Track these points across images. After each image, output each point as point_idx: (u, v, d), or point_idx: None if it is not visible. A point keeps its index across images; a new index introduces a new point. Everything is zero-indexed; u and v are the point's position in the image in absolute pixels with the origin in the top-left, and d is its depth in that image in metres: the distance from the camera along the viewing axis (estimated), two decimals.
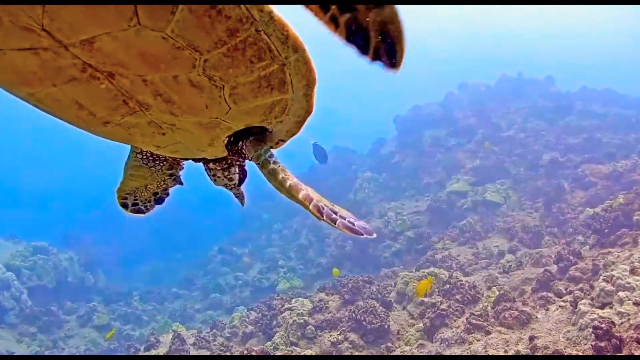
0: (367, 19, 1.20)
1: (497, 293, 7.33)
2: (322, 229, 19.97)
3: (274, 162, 1.86)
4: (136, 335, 15.00)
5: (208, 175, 2.29)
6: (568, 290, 6.71)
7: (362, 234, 1.78)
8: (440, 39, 65.25)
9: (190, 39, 1.15)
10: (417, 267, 11.68)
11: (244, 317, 10.30)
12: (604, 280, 5.50)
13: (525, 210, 14.26)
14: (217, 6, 1.09)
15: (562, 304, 6.23)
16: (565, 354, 4.71)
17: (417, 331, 7.55)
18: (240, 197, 2.63)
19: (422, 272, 9.81)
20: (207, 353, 9.11)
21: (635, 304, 4.85)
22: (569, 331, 5.31)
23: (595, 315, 4.95)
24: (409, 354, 6.94)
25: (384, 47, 1.30)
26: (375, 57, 1.33)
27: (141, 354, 9.84)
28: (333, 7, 1.19)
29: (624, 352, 4.08)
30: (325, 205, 1.79)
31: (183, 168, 2.35)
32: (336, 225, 1.76)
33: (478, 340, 6.13)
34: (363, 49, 1.30)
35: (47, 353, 13.47)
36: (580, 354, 4.63)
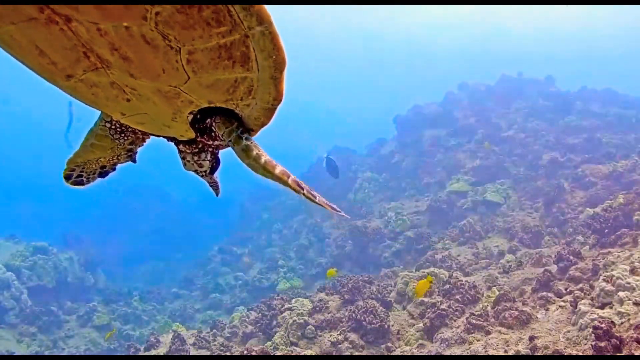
0: None
1: (497, 293, 7.33)
2: (322, 229, 19.98)
3: (247, 139, 1.78)
4: (136, 335, 15.00)
5: (181, 160, 2.22)
6: (568, 290, 6.71)
7: (339, 212, 1.74)
8: (440, 39, 65.24)
9: None
10: (417, 267, 11.68)
11: (244, 317, 10.30)
12: (604, 280, 5.49)
13: (525, 210, 14.26)
14: None
15: (562, 304, 6.23)
16: (565, 354, 4.71)
17: (417, 331, 7.55)
18: (214, 186, 2.52)
19: (422, 272, 9.80)
20: (207, 353, 9.11)
21: (635, 304, 4.85)
22: (569, 331, 5.31)
23: (595, 315, 4.95)
24: (409, 354, 6.94)
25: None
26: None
27: (141, 354, 9.83)
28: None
29: (624, 352, 4.08)
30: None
31: (143, 145, 2.27)
32: (317, 201, 1.72)
33: (478, 340, 6.12)
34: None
35: (47, 353, 13.47)
36: (580, 354, 4.63)
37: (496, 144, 18.98)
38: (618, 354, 4.10)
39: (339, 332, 8.04)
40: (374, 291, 8.98)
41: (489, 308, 6.87)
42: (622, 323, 4.57)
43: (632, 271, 5.48)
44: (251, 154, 1.74)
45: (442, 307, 7.46)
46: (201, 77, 1.46)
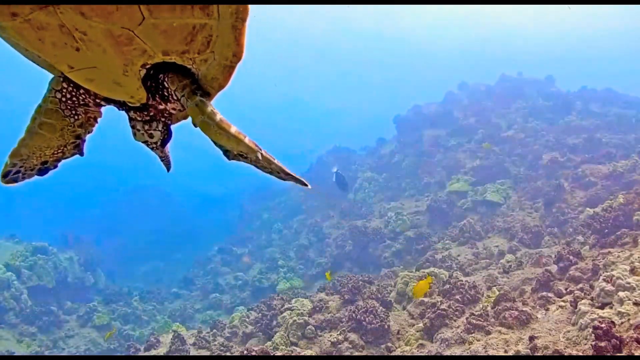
0: None
1: (497, 293, 7.33)
2: (322, 229, 19.99)
3: (202, 95, 1.67)
4: (136, 335, 15.00)
5: (131, 129, 2.09)
6: (568, 290, 6.71)
7: (299, 180, 1.63)
8: (440, 39, 65.26)
9: None
10: (417, 267, 11.68)
11: (244, 317, 10.29)
12: (604, 280, 5.49)
13: (525, 210, 14.25)
14: None
15: (562, 304, 6.23)
16: (565, 354, 4.71)
17: (417, 331, 7.54)
18: (165, 160, 2.39)
19: (422, 272, 9.80)
20: (207, 353, 9.10)
21: (635, 304, 4.84)
22: (569, 331, 5.31)
23: (595, 315, 4.95)
24: (409, 354, 6.94)
25: None
26: None
27: (141, 354, 9.83)
28: None
29: (624, 352, 4.08)
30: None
31: (92, 132, 2.11)
32: (273, 165, 1.61)
33: (478, 340, 6.12)
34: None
35: (47, 353, 13.47)
36: (580, 354, 4.63)
37: (496, 144, 18.98)
38: (618, 354, 4.10)
39: (339, 332, 8.03)
40: (374, 291, 8.97)
41: (489, 308, 6.86)
42: (622, 323, 4.57)
43: (632, 271, 5.48)
44: (205, 109, 1.62)
45: (442, 307, 7.46)
46: (157, 18, 1.37)
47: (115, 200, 35.29)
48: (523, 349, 5.33)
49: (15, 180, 2.16)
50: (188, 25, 1.43)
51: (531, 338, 5.39)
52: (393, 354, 7.39)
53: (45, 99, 1.93)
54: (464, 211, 15.66)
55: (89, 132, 2.11)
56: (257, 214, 26.02)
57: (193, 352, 9.11)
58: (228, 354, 8.93)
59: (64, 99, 1.92)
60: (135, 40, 1.46)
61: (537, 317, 6.20)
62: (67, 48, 1.50)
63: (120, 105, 1.95)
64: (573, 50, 62.28)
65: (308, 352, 7.66)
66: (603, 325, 4.37)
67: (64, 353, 13.76)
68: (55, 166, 2.22)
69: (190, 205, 37.42)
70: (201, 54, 1.56)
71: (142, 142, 2.13)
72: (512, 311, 6.31)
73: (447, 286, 8.15)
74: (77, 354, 13.85)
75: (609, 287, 5.32)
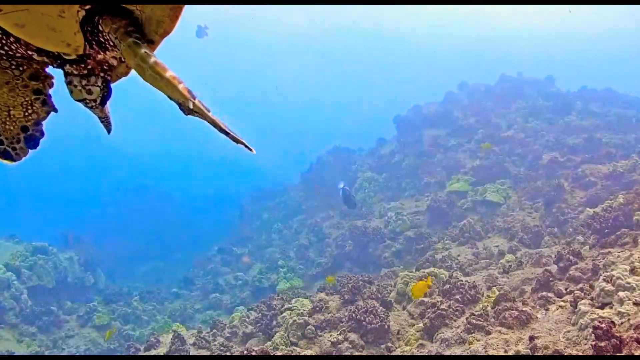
0: None
1: (497, 293, 7.33)
2: (322, 229, 19.98)
3: (137, 38, 1.56)
4: (136, 335, 15.01)
5: (67, 86, 1.95)
6: (568, 290, 6.71)
7: (239, 141, 1.53)
8: (440, 39, 65.24)
9: None
10: (417, 267, 11.68)
11: (244, 317, 10.29)
12: (604, 280, 5.49)
13: (525, 210, 14.25)
14: None
15: (562, 304, 6.23)
16: (565, 354, 4.71)
17: (417, 331, 7.54)
18: (105, 121, 2.24)
19: (422, 272, 9.80)
20: (207, 353, 9.10)
21: (635, 304, 4.84)
22: (569, 331, 5.31)
23: (595, 315, 4.95)
24: (409, 354, 6.94)
25: None
26: None
27: (141, 354, 9.83)
28: None
29: (624, 352, 4.08)
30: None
31: (53, 85, 1.97)
32: (209, 116, 1.51)
33: (478, 340, 6.12)
34: None
35: (47, 353, 13.47)
36: (580, 354, 4.63)
37: (496, 144, 18.97)
38: (618, 354, 4.10)
39: (339, 332, 8.03)
40: (374, 291, 8.97)
41: (489, 308, 6.86)
42: (622, 323, 4.57)
43: (632, 271, 5.47)
44: (139, 51, 1.51)
45: (442, 307, 7.46)
46: None
47: (116, 200, 35.29)
48: (523, 349, 5.33)
49: (8, 157, 2.01)
50: None
51: (531, 338, 5.38)
52: (393, 354, 7.39)
53: None
54: (464, 211, 15.66)
55: (50, 86, 1.97)
56: (257, 214, 26.02)
57: (193, 352, 9.11)
58: (228, 354, 8.93)
59: None
60: None
61: (537, 317, 6.20)
62: None
63: (55, 59, 1.79)
64: (573, 50, 62.31)
65: (308, 352, 7.66)
66: (603, 325, 4.37)
67: (64, 353, 13.76)
68: (41, 132, 2.05)
69: (190, 205, 37.41)
70: None
71: (80, 100, 1.99)
72: (512, 311, 6.31)
73: (447, 286, 8.15)
74: (77, 354, 13.85)
75: (609, 287, 5.32)
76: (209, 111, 1.51)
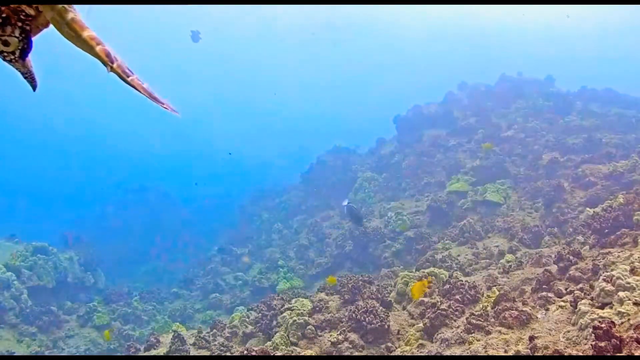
0: None
1: (497, 293, 7.33)
2: (322, 229, 19.98)
3: None
4: (136, 335, 15.01)
5: None
6: (568, 290, 6.71)
7: (162, 103, 1.47)
8: (440, 39, 65.26)
9: None
10: (417, 267, 11.68)
11: (244, 317, 10.29)
12: (604, 280, 5.49)
13: (525, 210, 14.25)
14: None
15: (562, 304, 6.22)
16: (565, 354, 4.71)
17: (417, 331, 7.54)
18: (29, 77, 2.10)
19: (422, 272, 9.80)
20: (207, 353, 9.10)
21: (635, 304, 4.84)
22: (569, 331, 5.31)
23: (595, 315, 4.95)
24: (409, 354, 6.94)
25: None
26: None
27: (141, 354, 9.83)
28: None
29: (624, 352, 4.08)
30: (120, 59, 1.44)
31: None
32: (129, 80, 1.44)
33: (478, 340, 6.12)
34: None
35: (47, 353, 13.47)
36: (580, 354, 4.63)
37: (496, 144, 18.97)
38: (618, 354, 4.10)
39: (339, 332, 8.03)
40: (374, 291, 8.97)
41: (489, 308, 6.86)
42: (622, 323, 4.57)
43: (632, 271, 5.47)
44: (56, 5, 1.44)
45: (442, 307, 7.46)
46: None
47: (116, 200, 35.31)
48: (523, 349, 5.33)
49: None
50: None
51: (531, 338, 5.38)
52: (393, 354, 7.39)
53: None
54: (464, 211, 15.66)
55: None
56: (257, 214, 26.02)
57: (193, 352, 9.11)
58: (228, 354, 8.92)
59: None
60: None
61: (537, 317, 6.20)
62: None
63: None
64: (573, 49, 62.30)
65: (308, 352, 7.66)
66: (603, 325, 4.37)
67: (64, 353, 13.77)
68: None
69: (190, 205, 37.43)
70: None
71: None
72: (512, 311, 6.31)
73: (447, 286, 8.15)
74: (77, 354, 13.85)
75: (609, 287, 5.32)
76: (128, 76, 1.45)
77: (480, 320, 6.51)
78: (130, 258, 25.66)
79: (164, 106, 1.51)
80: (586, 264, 7.29)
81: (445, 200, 16.31)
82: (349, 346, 7.70)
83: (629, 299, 4.93)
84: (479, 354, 5.68)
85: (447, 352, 6.33)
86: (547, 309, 6.32)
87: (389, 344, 7.67)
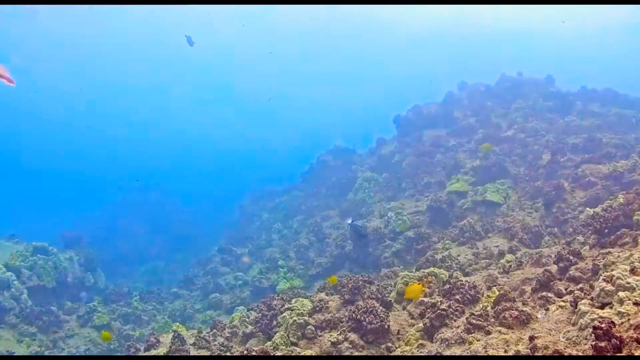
0: None
1: (497, 293, 7.33)
2: (322, 229, 19.98)
3: None
4: (136, 335, 15.01)
5: None
6: (568, 290, 6.70)
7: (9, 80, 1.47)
8: (440, 39, 65.25)
9: None
10: (417, 267, 11.68)
11: (244, 317, 10.29)
12: (604, 280, 5.49)
13: (525, 210, 14.25)
14: None
15: (562, 304, 6.22)
16: (565, 354, 4.71)
17: (417, 331, 7.54)
18: None
19: (422, 272, 9.80)
20: (207, 353, 9.10)
21: (635, 304, 4.84)
22: (569, 331, 5.30)
23: (595, 315, 4.95)
24: (409, 354, 6.93)
25: None
26: None
27: (141, 354, 9.83)
28: None
29: (624, 352, 4.08)
30: None
31: None
32: None
33: (478, 340, 6.12)
34: None
35: (47, 353, 13.47)
36: (580, 354, 4.63)
37: (496, 144, 18.98)
38: (618, 354, 4.10)
39: (339, 332, 8.03)
40: (374, 291, 8.96)
41: (489, 308, 6.86)
42: (622, 323, 4.57)
43: (632, 271, 5.47)
44: None
45: (442, 307, 7.45)
46: None
47: (116, 200, 35.35)
48: (523, 349, 5.33)
49: None
50: None
51: (531, 338, 5.38)
52: (393, 354, 7.39)
53: None
54: (464, 211, 15.66)
55: None
56: (257, 214, 26.04)
57: (193, 352, 9.10)
58: (228, 354, 8.92)
59: None
60: None
61: (537, 317, 6.20)
62: None
63: None
64: (573, 49, 62.29)
65: (308, 352, 7.65)
66: (603, 325, 4.37)
67: (64, 353, 13.77)
68: None
69: (190, 205, 37.47)
70: None
71: None
72: (512, 311, 6.31)
73: (447, 286, 8.15)
74: (77, 354, 13.85)
75: (609, 287, 5.32)
76: None
77: (480, 320, 6.51)
78: (130, 258, 25.66)
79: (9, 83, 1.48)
80: (586, 264, 7.28)
81: (445, 200, 16.31)
82: (349, 346, 7.70)
83: (629, 299, 4.93)
84: (479, 354, 5.68)
85: (447, 352, 6.33)
86: (547, 309, 6.32)
87: (389, 344, 7.67)
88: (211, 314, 16.56)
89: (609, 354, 4.11)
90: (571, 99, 22.00)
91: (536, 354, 5.04)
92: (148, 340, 10.06)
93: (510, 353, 5.40)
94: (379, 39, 66.66)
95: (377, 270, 14.12)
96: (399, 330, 7.97)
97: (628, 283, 5.19)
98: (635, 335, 4.11)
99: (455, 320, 7.22)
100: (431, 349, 6.77)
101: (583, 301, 5.57)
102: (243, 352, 7.66)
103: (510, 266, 9.68)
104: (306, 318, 8.51)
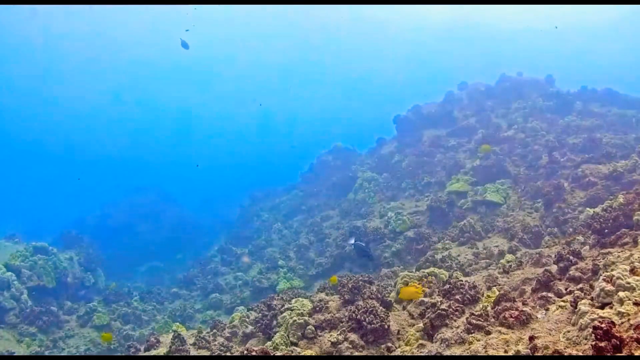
0: None
1: (497, 293, 7.33)
2: (322, 229, 19.97)
3: None
4: (136, 335, 15.01)
5: None
6: (568, 290, 6.70)
7: None
8: (440, 39, 65.25)
9: None
10: (417, 267, 11.69)
11: (244, 317, 10.29)
12: (604, 280, 5.49)
13: (525, 210, 14.25)
14: None
15: (562, 304, 6.22)
16: (565, 354, 4.71)
17: (417, 331, 7.54)
18: None
19: (422, 272, 9.80)
20: (207, 353, 9.10)
21: (635, 304, 4.84)
22: (569, 331, 5.30)
23: (595, 315, 4.95)
24: (409, 354, 6.93)
25: None
26: None
27: (141, 354, 9.83)
28: None
29: (624, 352, 4.07)
30: None
31: None
32: None
33: (478, 340, 6.12)
34: None
35: (47, 353, 13.47)
36: (580, 354, 4.63)
37: (496, 144, 18.97)
38: (618, 354, 4.10)
39: (339, 332, 8.03)
40: (374, 291, 8.96)
41: (489, 308, 6.86)
42: (622, 323, 4.57)
43: (632, 271, 5.47)
44: None
45: (442, 307, 7.45)
46: None
47: (116, 200, 35.34)
48: (523, 349, 5.32)
49: None
50: None
51: (531, 338, 5.38)
52: (393, 354, 7.39)
53: None
54: (464, 211, 15.66)
55: None
56: (257, 214, 26.02)
57: (193, 352, 9.10)
58: (228, 354, 8.92)
59: None
60: None
61: (537, 317, 6.20)
62: None
63: None
64: (573, 49, 62.27)
65: (308, 352, 7.65)
66: (603, 325, 4.37)
67: (64, 353, 13.76)
68: None
69: (190, 205, 37.47)
70: None
71: None
72: (512, 311, 6.31)
73: (447, 286, 8.14)
74: (77, 354, 13.85)
75: (609, 287, 5.31)
76: None
77: (480, 320, 6.51)
78: (130, 258, 25.66)
79: None
80: (586, 264, 7.28)
81: (445, 200, 16.31)
82: (349, 346, 7.70)
83: (629, 299, 4.93)
84: (479, 354, 5.68)
85: (447, 352, 6.33)
86: (547, 309, 6.32)
87: (389, 344, 7.67)
88: (211, 314, 16.56)
89: (609, 354, 4.11)
90: (571, 99, 22.00)
91: (536, 354, 5.04)
92: (148, 340, 10.05)
93: (510, 353, 5.40)
94: (378, 38, 66.64)
95: (377, 270, 14.13)
96: (399, 330, 7.96)
97: (628, 283, 5.18)
98: (635, 335, 4.11)
99: (455, 320, 7.22)
100: (431, 349, 6.77)
101: (583, 301, 5.57)
102: (243, 352, 7.65)
103: (510, 266, 9.67)
104: (306, 318, 8.51)
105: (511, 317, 6.23)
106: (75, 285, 17.30)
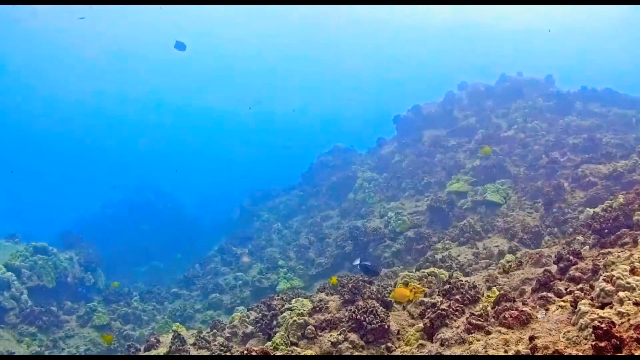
0: None
1: (497, 293, 7.32)
2: (322, 229, 19.97)
3: None
4: (136, 335, 15.01)
5: None
6: (568, 290, 6.70)
7: None
8: (440, 39, 65.25)
9: None
10: (417, 267, 11.68)
11: (244, 317, 10.29)
12: (604, 280, 5.49)
13: (525, 210, 14.25)
14: None
15: (562, 304, 6.22)
16: (565, 354, 4.71)
17: (417, 331, 7.53)
18: None
19: (422, 272, 9.80)
20: (207, 353, 9.10)
21: (635, 304, 4.84)
22: (569, 331, 5.30)
23: (595, 315, 4.95)
24: (409, 354, 6.93)
25: None
26: None
27: (141, 354, 9.83)
28: None
29: (624, 352, 4.07)
30: None
31: None
32: None
33: (478, 340, 6.12)
34: None
35: (47, 353, 13.47)
36: (580, 354, 4.63)
37: (496, 144, 18.97)
38: (618, 354, 4.10)
39: (339, 332, 8.03)
40: (374, 291, 8.96)
41: (489, 308, 6.86)
42: (622, 323, 4.57)
43: (632, 271, 5.47)
44: None
45: (442, 307, 7.45)
46: None
47: (116, 200, 35.35)
48: (523, 349, 5.32)
49: None
50: None
51: (531, 338, 5.38)
52: (393, 354, 7.39)
53: None
54: (464, 211, 15.66)
55: None
56: (257, 214, 26.01)
57: (193, 352, 9.10)
58: (228, 354, 8.92)
59: None
60: None
61: (537, 317, 6.20)
62: None
63: None
64: (573, 49, 62.27)
65: (308, 352, 7.65)
66: (603, 325, 4.37)
67: (64, 353, 13.76)
68: None
69: (190, 205, 37.48)
70: None
71: None
72: (512, 311, 6.30)
73: (447, 286, 8.14)
74: (77, 354, 13.85)
75: (609, 287, 5.31)
76: None
77: (480, 320, 6.51)
78: (130, 258, 25.66)
79: None
80: (586, 264, 7.28)
81: (445, 200, 16.31)
82: (349, 346, 7.70)
83: (629, 299, 4.93)
84: (479, 354, 5.68)
85: (447, 352, 6.33)
86: (547, 309, 6.32)
87: (389, 344, 7.67)
88: (211, 314, 16.55)
89: (609, 354, 4.11)
90: (571, 99, 22.00)
91: (536, 354, 5.04)
92: (148, 340, 10.05)
93: (510, 353, 5.40)
94: (379, 38, 66.65)
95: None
96: (399, 330, 7.96)
97: (628, 283, 5.18)
98: (635, 335, 4.11)
99: (455, 321, 7.22)
100: (431, 349, 6.77)
101: (583, 301, 5.57)
102: (243, 352, 7.65)
103: (510, 266, 9.67)
104: (306, 318, 8.51)
105: (511, 317, 6.23)
106: (75, 285, 17.30)
